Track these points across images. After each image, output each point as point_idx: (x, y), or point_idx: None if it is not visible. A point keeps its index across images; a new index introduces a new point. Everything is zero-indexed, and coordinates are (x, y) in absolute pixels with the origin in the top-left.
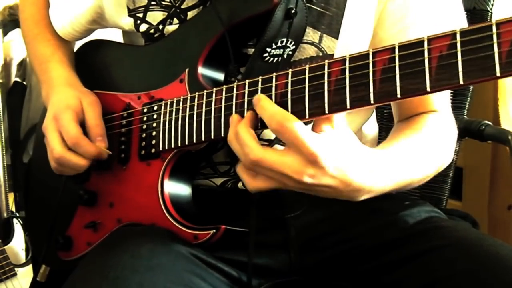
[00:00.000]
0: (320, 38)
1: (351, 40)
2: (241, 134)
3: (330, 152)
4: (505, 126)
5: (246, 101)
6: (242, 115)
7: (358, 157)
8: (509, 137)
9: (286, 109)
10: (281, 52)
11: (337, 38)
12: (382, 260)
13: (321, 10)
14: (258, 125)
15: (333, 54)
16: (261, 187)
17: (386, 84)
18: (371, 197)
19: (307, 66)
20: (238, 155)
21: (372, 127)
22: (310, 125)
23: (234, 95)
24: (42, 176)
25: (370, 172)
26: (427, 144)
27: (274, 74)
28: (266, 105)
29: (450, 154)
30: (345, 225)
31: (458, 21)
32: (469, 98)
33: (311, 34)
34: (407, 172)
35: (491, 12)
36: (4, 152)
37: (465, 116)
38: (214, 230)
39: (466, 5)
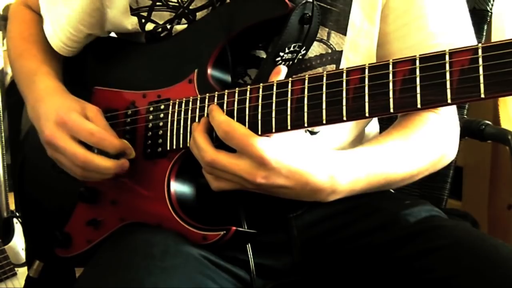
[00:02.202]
0: (328, 35)
1: (359, 36)
2: (196, 139)
3: (280, 153)
4: (505, 126)
5: (260, 104)
6: (255, 118)
7: (313, 159)
8: (509, 137)
9: (302, 114)
10: (293, 57)
11: (345, 35)
12: (383, 259)
13: (328, 6)
14: (214, 132)
15: (341, 51)
16: (222, 188)
17: (406, 95)
18: (349, 195)
19: (325, 72)
20: (198, 159)
21: (374, 127)
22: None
23: (248, 98)
24: (37, 172)
25: (329, 173)
26: (412, 146)
27: (290, 79)
28: (215, 115)
29: (445, 155)
30: (346, 225)
31: (461, 19)
32: None
33: (319, 31)
34: (380, 173)
35: (491, 12)
36: (4, 152)
37: (465, 116)
38: (224, 232)
39: (466, 5)
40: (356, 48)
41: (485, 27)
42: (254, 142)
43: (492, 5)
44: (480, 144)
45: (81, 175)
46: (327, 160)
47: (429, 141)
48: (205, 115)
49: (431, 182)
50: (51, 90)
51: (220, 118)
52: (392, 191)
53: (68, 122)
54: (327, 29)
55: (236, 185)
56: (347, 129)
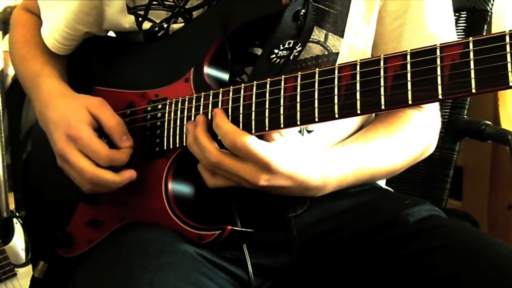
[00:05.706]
0: (326, 36)
1: (356, 38)
2: (200, 139)
3: (281, 158)
4: (505, 126)
5: (254, 102)
6: (249, 117)
7: (308, 160)
8: (509, 137)
9: (295, 112)
10: (288, 54)
11: (342, 37)
12: (383, 259)
13: (326, 8)
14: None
15: (338, 53)
16: (219, 185)
17: (397, 91)
18: (336, 189)
19: (317, 69)
20: (199, 158)
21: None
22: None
23: (242, 96)
24: (40, 172)
25: (322, 173)
26: (398, 143)
27: (283, 76)
28: (219, 123)
29: (426, 151)
30: (346, 225)
31: (447, 27)
32: (469, 98)
33: (317, 33)
34: (367, 169)
35: (491, 12)
36: (4, 152)
37: (465, 116)
38: (220, 231)
39: (466, 5)
40: (352, 50)
41: (485, 27)
42: (260, 149)
43: (492, 5)
44: (480, 144)
45: (89, 189)
46: (319, 160)
47: (413, 139)
48: (201, 114)
49: (431, 182)
50: (54, 92)
51: (225, 128)
52: (392, 190)
53: (78, 139)
54: (324, 31)
55: (234, 183)
56: (341, 128)
